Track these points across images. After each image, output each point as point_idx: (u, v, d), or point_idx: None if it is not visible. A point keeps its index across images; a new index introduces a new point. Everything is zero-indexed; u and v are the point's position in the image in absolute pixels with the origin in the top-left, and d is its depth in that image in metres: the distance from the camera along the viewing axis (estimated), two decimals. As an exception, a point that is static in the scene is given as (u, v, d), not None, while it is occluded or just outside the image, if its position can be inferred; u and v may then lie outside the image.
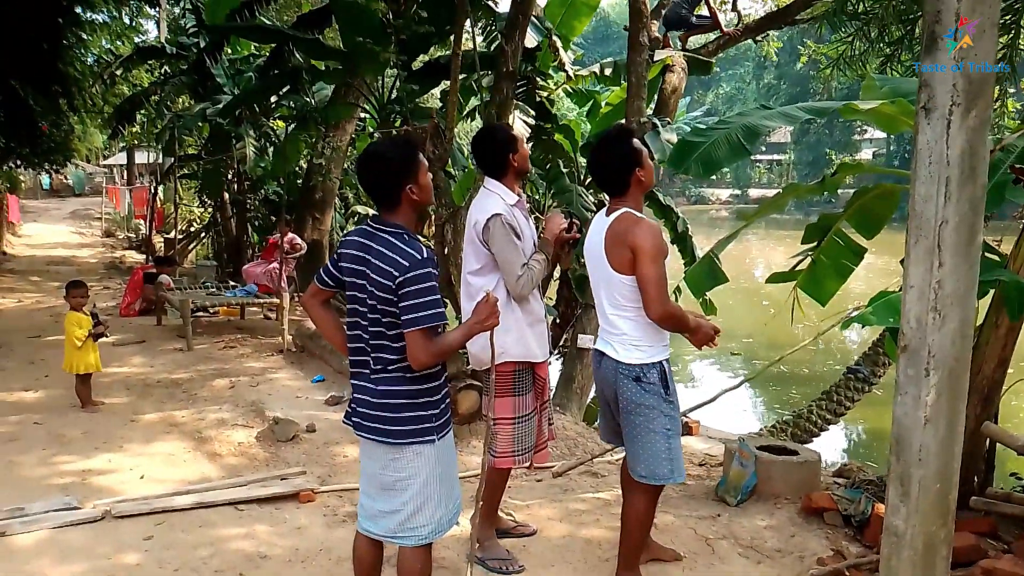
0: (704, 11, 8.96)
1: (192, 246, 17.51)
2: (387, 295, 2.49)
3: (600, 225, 3.11)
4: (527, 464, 3.57)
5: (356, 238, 2.63)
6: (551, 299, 9.05)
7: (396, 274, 2.46)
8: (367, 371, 2.63)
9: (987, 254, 3.70)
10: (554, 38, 8.82)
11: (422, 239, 8.18)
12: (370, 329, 2.57)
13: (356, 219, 14.41)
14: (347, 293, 2.66)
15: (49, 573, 3.47)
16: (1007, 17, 4.75)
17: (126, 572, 3.50)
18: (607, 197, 3.20)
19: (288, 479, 4.51)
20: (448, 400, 2.74)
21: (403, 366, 2.56)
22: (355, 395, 2.69)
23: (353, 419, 2.69)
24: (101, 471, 4.75)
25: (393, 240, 2.54)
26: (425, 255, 2.51)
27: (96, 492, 4.41)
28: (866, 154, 47.17)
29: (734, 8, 11.41)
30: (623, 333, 3.05)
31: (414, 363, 2.52)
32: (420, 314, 2.46)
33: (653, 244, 2.91)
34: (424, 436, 2.60)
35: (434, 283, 2.50)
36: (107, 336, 6.42)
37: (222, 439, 5.30)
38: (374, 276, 2.51)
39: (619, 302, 3.04)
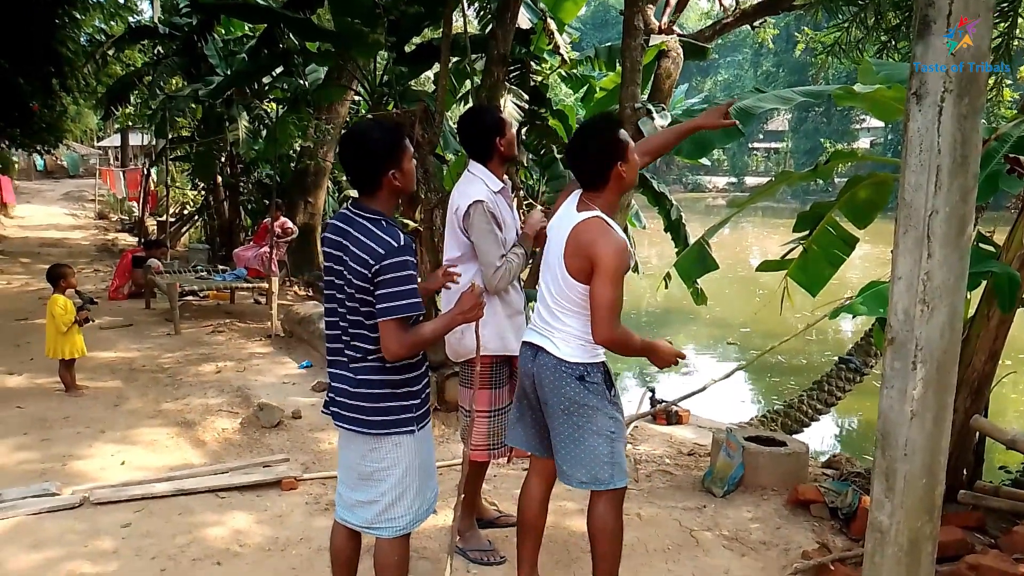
0: None
1: (185, 229, 17.41)
2: (363, 283, 2.42)
3: (568, 218, 2.82)
4: (504, 458, 3.51)
5: (336, 223, 2.57)
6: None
7: (372, 262, 2.40)
8: (345, 359, 2.56)
9: (980, 245, 3.65)
10: (549, 21, 8.71)
11: (411, 224, 8.09)
12: (348, 317, 2.50)
13: (349, 203, 14.31)
14: (325, 279, 2.59)
15: (22, 560, 3.42)
16: (1004, 5, 4.67)
17: (102, 559, 3.45)
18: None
19: (271, 466, 4.46)
20: (428, 390, 2.68)
21: (382, 355, 2.50)
22: (333, 384, 2.63)
23: (331, 408, 2.63)
24: (82, 457, 4.70)
25: (370, 227, 2.46)
26: (402, 242, 2.43)
27: (76, 478, 4.35)
28: (863, 143, 47.06)
29: (732, -7, 11.29)
30: (568, 327, 2.80)
31: (387, 354, 2.45)
32: (395, 303, 2.40)
33: (615, 264, 2.65)
34: (403, 427, 2.54)
35: (412, 272, 2.43)
36: (92, 321, 6.35)
37: (206, 425, 5.24)
38: (351, 263, 2.44)
39: (568, 301, 2.79)
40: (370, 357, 2.51)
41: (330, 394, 2.64)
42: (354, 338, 2.52)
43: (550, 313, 2.84)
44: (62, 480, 4.27)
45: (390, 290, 2.40)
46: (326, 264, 2.57)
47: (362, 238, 2.44)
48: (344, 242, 2.48)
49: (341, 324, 2.54)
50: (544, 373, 2.81)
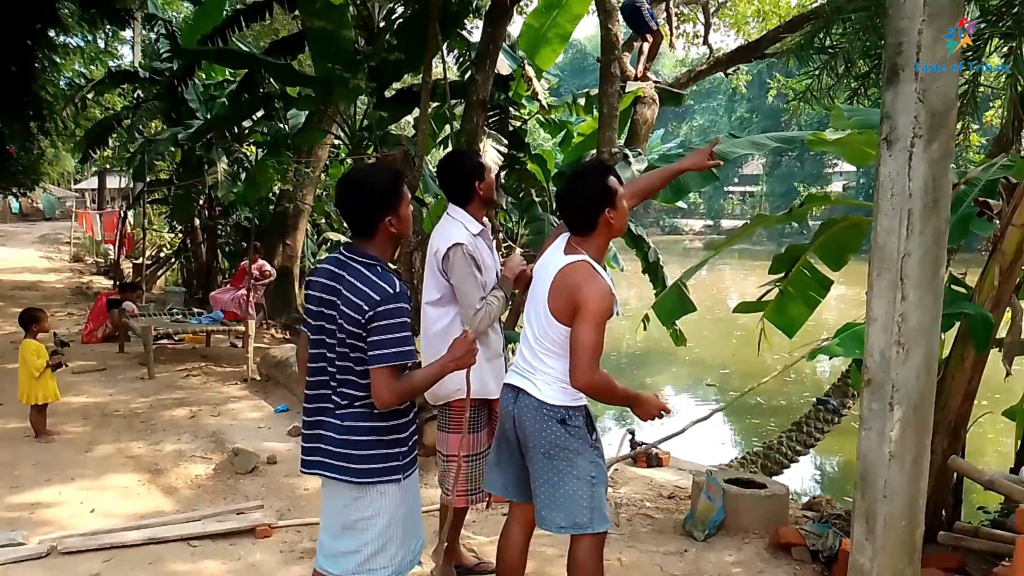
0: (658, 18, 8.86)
1: (161, 272, 17.27)
2: (356, 329, 2.38)
3: (555, 260, 2.80)
4: (483, 503, 3.47)
5: (328, 267, 2.52)
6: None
7: (366, 308, 2.36)
8: (330, 406, 2.49)
9: (953, 286, 3.71)
10: (527, 67, 8.85)
11: (391, 266, 8.07)
12: (338, 363, 2.45)
13: (328, 246, 14.29)
14: (313, 323, 2.53)
15: (-14, 614, 3.31)
16: (968, 53, 4.81)
17: (69, 612, 3.35)
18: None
19: (245, 513, 4.37)
20: (415, 437, 2.63)
21: (370, 402, 2.45)
22: (316, 432, 2.52)
23: (313, 457, 2.52)
24: (51, 504, 4.58)
25: (366, 272, 2.43)
26: (398, 289, 2.40)
27: (44, 526, 4.24)
28: (836, 186, 47.95)
29: (706, 42, 11.57)
30: (550, 369, 2.77)
31: (377, 402, 2.40)
32: (387, 351, 2.36)
33: (598, 308, 2.64)
34: (390, 475, 2.48)
35: (406, 319, 2.40)
36: (65, 365, 6.25)
37: (179, 471, 5.14)
38: (344, 308, 2.40)
39: (550, 343, 2.77)
40: (357, 404, 2.46)
41: (311, 443, 2.54)
42: (342, 384, 2.46)
43: (533, 355, 2.82)
44: (30, 529, 4.15)
45: (383, 337, 2.36)
46: (314, 308, 2.51)
47: (357, 283, 2.41)
48: (337, 287, 2.44)
49: (329, 370, 2.48)
50: (525, 415, 2.78)
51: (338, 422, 2.47)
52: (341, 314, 2.40)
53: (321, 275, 2.52)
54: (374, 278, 2.41)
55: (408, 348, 2.38)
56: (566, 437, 2.75)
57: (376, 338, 2.36)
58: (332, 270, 2.49)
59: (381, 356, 2.36)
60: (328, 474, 2.50)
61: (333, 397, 2.49)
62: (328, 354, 2.47)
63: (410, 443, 2.57)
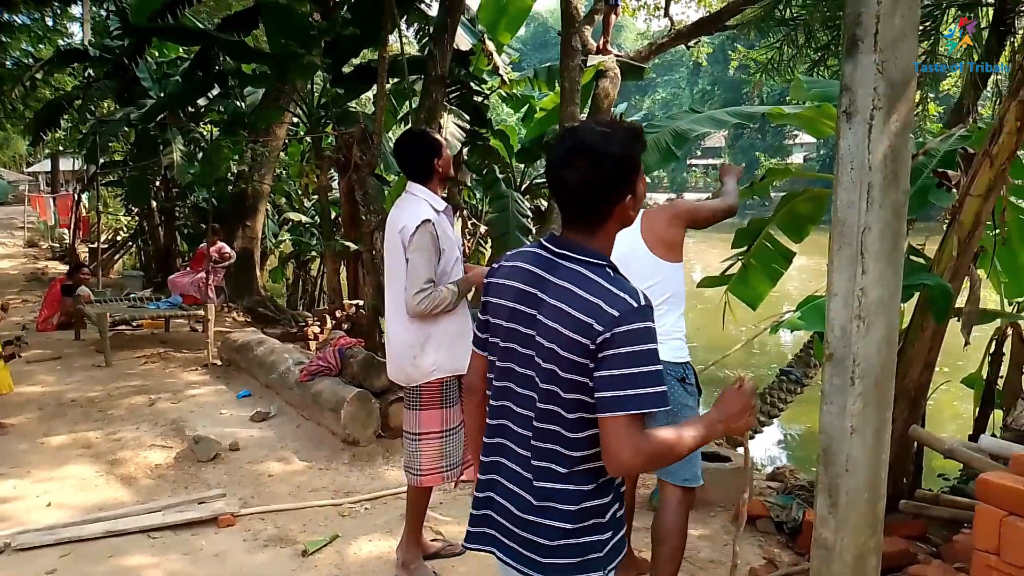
0: None
1: (119, 256, 16.91)
2: (579, 358, 1.66)
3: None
4: (453, 481, 3.43)
5: (523, 265, 1.81)
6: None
7: (599, 328, 1.64)
8: (514, 466, 1.81)
9: (912, 257, 3.73)
10: (488, 42, 8.74)
11: (352, 246, 7.86)
12: (539, 405, 1.74)
13: (290, 226, 14.06)
14: (501, 344, 1.84)
15: (-64, 615, 3.21)
16: (927, 23, 4.83)
17: (24, 610, 3.26)
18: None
19: (207, 502, 4.29)
20: (623, 512, 1.86)
21: (584, 469, 1.73)
22: (488, 495, 1.87)
23: (483, 529, 1.86)
24: (4, 499, 4.45)
25: (592, 276, 1.70)
26: (643, 301, 1.67)
27: (-2, 522, 4.13)
28: (797, 157, 48.53)
29: (666, 14, 11.53)
30: (677, 329, 3.01)
31: (613, 464, 1.67)
32: (630, 392, 1.62)
33: None
34: (588, 571, 1.76)
35: (654, 345, 1.66)
36: (19, 357, 6.07)
37: (138, 461, 5.03)
38: (554, 325, 1.70)
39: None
40: (564, 467, 1.73)
41: (482, 509, 1.88)
42: (543, 437, 1.75)
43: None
44: (-18, 525, 4.04)
45: (625, 371, 1.63)
46: (504, 324, 1.83)
47: (578, 291, 1.69)
48: (540, 295, 1.75)
49: (515, 412, 1.80)
50: None
51: (526, 494, 1.77)
52: (548, 334, 1.71)
53: (514, 276, 1.82)
54: (607, 285, 1.68)
55: (659, 390, 1.64)
56: (684, 395, 2.97)
57: (612, 373, 1.63)
58: (529, 270, 1.79)
59: (621, 400, 1.62)
60: (502, 556, 1.82)
61: (518, 451, 1.80)
62: (518, 389, 1.80)
63: (619, 525, 1.84)
